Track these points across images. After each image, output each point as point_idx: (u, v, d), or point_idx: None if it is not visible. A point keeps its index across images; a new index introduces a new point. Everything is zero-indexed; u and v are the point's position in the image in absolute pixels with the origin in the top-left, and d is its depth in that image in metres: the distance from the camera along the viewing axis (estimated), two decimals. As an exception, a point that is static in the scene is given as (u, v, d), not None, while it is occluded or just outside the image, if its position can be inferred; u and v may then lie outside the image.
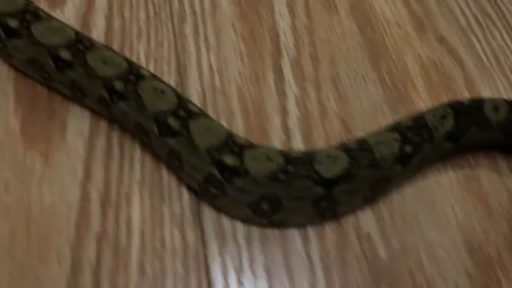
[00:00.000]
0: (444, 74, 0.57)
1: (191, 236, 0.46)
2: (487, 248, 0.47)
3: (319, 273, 0.45)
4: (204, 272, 0.45)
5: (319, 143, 0.52)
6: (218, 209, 0.47)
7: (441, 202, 0.49)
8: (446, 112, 0.49)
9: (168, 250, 0.46)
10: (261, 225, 0.47)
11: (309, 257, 0.46)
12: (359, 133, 0.52)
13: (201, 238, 0.47)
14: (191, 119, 0.46)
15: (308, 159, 0.45)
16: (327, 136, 0.52)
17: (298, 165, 0.45)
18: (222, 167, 0.45)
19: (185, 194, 0.48)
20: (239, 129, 0.52)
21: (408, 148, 0.47)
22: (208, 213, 0.47)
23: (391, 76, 0.56)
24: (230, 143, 0.45)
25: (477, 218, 0.49)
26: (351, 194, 0.46)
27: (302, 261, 0.46)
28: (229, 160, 0.45)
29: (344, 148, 0.47)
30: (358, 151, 0.46)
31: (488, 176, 0.51)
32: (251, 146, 0.46)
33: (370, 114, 0.54)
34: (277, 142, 0.51)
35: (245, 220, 0.47)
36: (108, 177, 0.49)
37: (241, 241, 0.46)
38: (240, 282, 0.45)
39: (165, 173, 0.49)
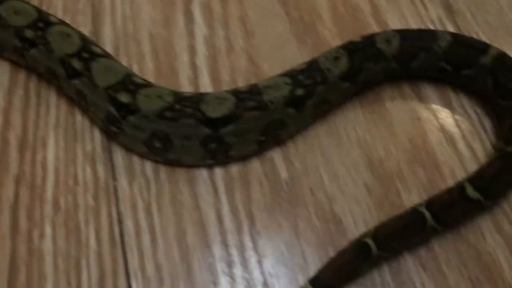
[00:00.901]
0: (351, 4, 0.58)
1: (102, 172, 0.48)
2: (387, 163, 0.49)
3: (223, 198, 0.47)
4: (114, 204, 0.47)
5: (225, 78, 0.53)
6: (124, 146, 0.50)
7: (344, 125, 0.51)
8: (339, 53, 0.49)
9: (81, 186, 0.48)
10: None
11: (214, 185, 0.48)
12: (264, 65, 0.54)
13: (112, 173, 0.49)
14: (94, 60, 0.48)
15: (196, 99, 0.47)
16: (233, 70, 0.53)
17: (185, 104, 0.46)
18: (118, 105, 0.46)
19: (97, 133, 0.50)
20: (149, 70, 0.53)
21: (299, 91, 0.48)
22: (118, 150, 0.49)
23: (298, 10, 0.57)
24: (128, 82, 0.47)
25: (379, 137, 0.50)
26: (241, 137, 0.47)
27: (207, 189, 0.48)
28: (123, 97, 0.46)
29: (235, 91, 0.48)
30: (247, 94, 0.47)
31: (391, 98, 0.52)
32: (147, 85, 0.48)
33: (276, 46, 0.55)
34: (185, 79, 0.53)
35: (144, 157, 0.49)
36: (25, 124, 0.50)
37: (149, 174, 0.48)
38: (149, 213, 0.46)
39: (78, 115, 0.51)
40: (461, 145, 0.50)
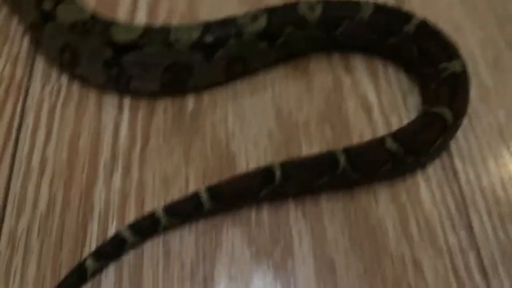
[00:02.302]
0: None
1: (20, 72, 0.49)
2: (296, 117, 0.47)
3: (125, 116, 0.47)
4: (22, 100, 0.47)
5: (161, 18, 0.53)
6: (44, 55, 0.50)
7: (263, 81, 0.49)
8: (259, 13, 0.49)
9: (-4, 79, 0.49)
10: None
11: (120, 104, 0.47)
12: (201, 16, 0.54)
13: (29, 75, 0.49)
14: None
15: (110, 23, 0.47)
16: (170, 12, 0.53)
17: (97, 23, 0.46)
18: (41, 12, 0.47)
19: (27, 39, 0.51)
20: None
21: (208, 38, 0.46)
22: (41, 60, 0.49)
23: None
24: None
25: (295, 95, 0.49)
26: (143, 69, 0.46)
27: (113, 106, 0.47)
28: (46, 5, 0.47)
29: (147, 26, 0.47)
30: (157, 31, 0.47)
31: (318, 66, 0.51)
32: (73, 3, 0.48)
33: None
34: (122, 12, 0.53)
35: (61, 69, 0.49)
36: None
37: (64, 83, 0.48)
38: (51, 114, 0.46)
39: (15, 20, 0.52)
40: (376, 115, 0.48)
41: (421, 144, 0.44)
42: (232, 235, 0.42)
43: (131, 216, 0.42)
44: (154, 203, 0.43)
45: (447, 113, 0.45)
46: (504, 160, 0.46)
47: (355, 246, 0.42)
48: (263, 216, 0.43)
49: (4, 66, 0.49)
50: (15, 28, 0.51)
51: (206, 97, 0.48)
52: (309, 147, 0.46)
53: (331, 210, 0.43)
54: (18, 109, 0.47)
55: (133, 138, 0.46)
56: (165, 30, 0.46)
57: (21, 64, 0.49)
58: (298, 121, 0.47)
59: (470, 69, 0.48)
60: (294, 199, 0.43)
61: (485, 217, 0.43)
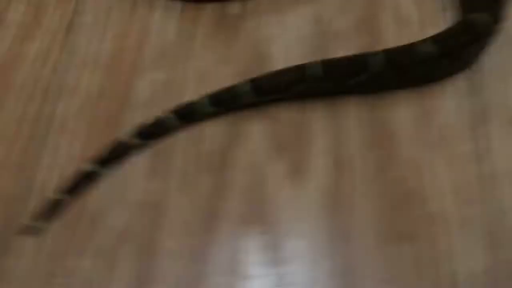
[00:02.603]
0: None
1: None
2: (335, 24, 0.49)
3: (173, 22, 0.50)
4: None
5: None
6: None
7: None
8: None
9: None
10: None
11: (170, 9, 0.50)
12: None
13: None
14: None
15: None
16: None
17: None
18: None
19: None
20: None
21: None
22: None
23: None
24: None
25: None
26: None
27: (164, 7, 0.50)
28: None
29: None
30: None
31: None
32: None
33: None
34: None
35: None
36: None
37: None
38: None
39: None
40: (414, 27, 0.48)
41: (457, 47, 0.44)
42: (257, 127, 0.45)
43: (170, 106, 0.46)
44: (193, 97, 0.46)
45: (483, 19, 0.45)
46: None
47: (372, 145, 0.43)
48: (289, 113, 0.45)
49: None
50: None
51: (250, 3, 0.51)
52: (344, 53, 0.47)
53: (355, 110, 0.45)
54: (76, 7, 0.51)
55: (179, 37, 0.49)
56: None
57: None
58: (335, 29, 0.49)
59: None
60: (322, 99, 0.45)
61: (504, 129, 0.43)
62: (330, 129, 0.45)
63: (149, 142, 0.44)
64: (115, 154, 0.44)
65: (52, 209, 0.42)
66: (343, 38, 0.48)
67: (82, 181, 0.43)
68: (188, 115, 0.45)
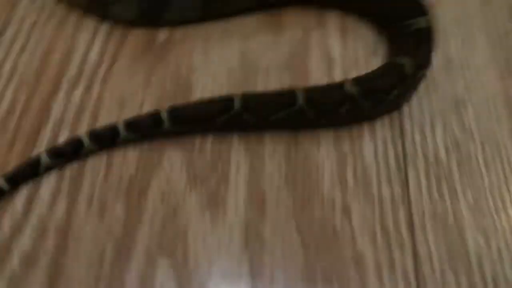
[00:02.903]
0: None
1: (9, -13, 0.53)
2: (258, 60, 0.48)
3: (99, 38, 0.48)
4: (9, 11, 0.50)
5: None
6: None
7: (237, 22, 0.51)
8: None
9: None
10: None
11: (96, 28, 0.49)
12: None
13: (17, -10, 0.53)
14: None
15: None
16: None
17: None
18: None
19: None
20: None
21: None
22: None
23: None
24: None
25: (263, 39, 0.49)
26: None
27: (90, 29, 0.49)
28: None
29: None
30: None
31: (291, 14, 0.51)
32: None
33: None
34: None
35: None
36: None
37: (50, 2, 0.51)
38: (33, 26, 0.49)
39: None
40: (337, 69, 0.48)
41: (379, 89, 0.44)
42: (174, 157, 0.43)
43: (83, 128, 0.44)
44: (107, 120, 0.45)
45: (407, 63, 0.45)
46: (451, 128, 0.47)
47: (289, 183, 0.43)
48: (206, 144, 0.44)
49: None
50: None
51: (178, 32, 0.50)
52: (265, 89, 0.47)
53: (273, 147, 0.44)
54: (2, 19, 0.49)
55: (101, 59, 0.48)
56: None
57: (13, -19, 0.52)
58: (259, 65, 0.49)
59: (441, 43, 0.49)
60: (239, 133, 0.45)
61: (422, 177, 0.44)
62: (248, 162, 0.43)
63: (61, 163, 0.42)
64: (25, 172, 0.41)
65: None
66: (267, 73, 0.48)
67: None
68: (103, 139, 0.43)
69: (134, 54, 0.48)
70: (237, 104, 0.43)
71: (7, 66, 0.47)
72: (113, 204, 0.41)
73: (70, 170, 0.42)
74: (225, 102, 0.43)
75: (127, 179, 0.42)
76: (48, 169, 0.42)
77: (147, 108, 0.45)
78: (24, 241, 0.39)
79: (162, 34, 0.50)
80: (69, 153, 0.42)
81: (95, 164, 0.43)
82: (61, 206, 0.40)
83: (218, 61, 0.48)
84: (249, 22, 0.51)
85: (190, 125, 0.44)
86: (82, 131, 0.44)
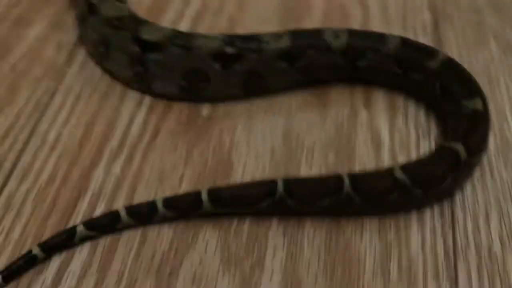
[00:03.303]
0: (343, 10, 0.59)
1: (62, 57, 0.52)
2: (303, 139, 0.47)
3: (143, 109, 0.49)
4: (57, 81, 0.51)
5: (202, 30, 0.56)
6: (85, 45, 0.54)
7: (281, 99, 0.50)
8: (283, 34, 0.49)
9: (44, 60, 0.53)
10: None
11: (140, 101, 0.50)
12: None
13: (69, 60, 0.52)
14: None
15: (142, 21, 0.49)
16: (210, 29, 0.56)
17: (132, 20, 0.48)
18: (89, 5, 0.50)
19: (74, 31, 0.55)
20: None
21: (229, 49, 0.47)
22: (84, 51, 0.54)
23: None
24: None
25: (308, 117, 0.48)
26: (164, 71, 0.48)
27: (133, 102, 0.50)
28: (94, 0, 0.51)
29: (173, 30, 0.48)
30: (181, 35, 0.48)
31: (338, 94, 0.50)
32: (121, 1, 0.52)
33: (259, 22, 0.57)
34: (166, 21, 0.57)
35: (94, 60, 0.53)
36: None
37: (97, 74, 0.51)
38: (76, 102, 0.49)
39: (72, 11, 0.57)
40: (385, 151, 0.47)
41: (430, 177, 0.42)
42: (209, 238, 0.42)
43: (120, 202, 0.43)
44: (145, 194, 0.44)
45: (460, 149, 0.43)
46: (508, 219, 0.43)
47: (328, 272, 0.40)
48: (243, 227, 0.42)
49: (50, 50, 0.53)
50: (71, 17, 0.55)
51: (221, 108, 0.50)
52: (308, 170, 0.45)
53: (313, 233, 0.42)
54: (51, 89, 0.50)
55: (143, 131, 0.47)
56: (191, 36, 0.48)
57: (66, 51, 0.53)
58: (304, 144, 0.47)
59: (496, 124, 0.47)
60: (279, 217, 0.43)
61: (474, 273, 0.41)
62: (286, 247, 0.41)
63: (97, 235, 0.42)
64: (60, 242, 0.41)
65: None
66: (312, 153, 0.46)
67: (23, 265, 0.39)
68: (141, 214, 0.42)
69: (176, 128, 0.48)
70: (280, 188, 0.42)
71: (52, 135, 0.47)
72: (143, 282, 0.39)
73: (103, 243, 0.41)
74: (268, 186, 0.42)
75: (159, 256, 0.41)
76: (83, 240, 0.41)
77: (186, 184, 0.44)
78: (49, 318, 0.38)
79: (205, 109, 0.49)
80: (105, 226, 0.42)
81: (129, 239, 0.41)
82: (90, 281, 0.39)
83: (261, 139, 0.47)
84: (293, 99, 0.50)
85: (231, 207, 0.43)
86: (120, 203, 0.43)
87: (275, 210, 0.43)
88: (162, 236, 0.42)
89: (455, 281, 0.41)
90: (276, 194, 0.42)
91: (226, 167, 0.46)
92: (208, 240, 0.42)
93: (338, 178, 0.42)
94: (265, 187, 0.42)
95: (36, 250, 0.40)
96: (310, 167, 0.46)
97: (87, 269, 0.40)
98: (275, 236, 0.42)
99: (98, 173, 0.45)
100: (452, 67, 0.47)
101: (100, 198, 0.44)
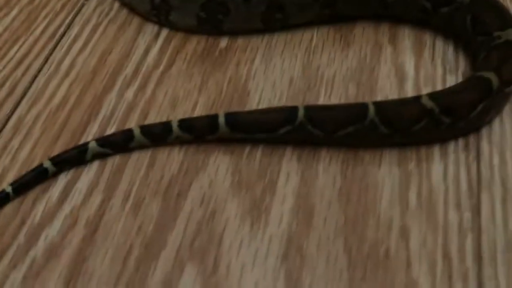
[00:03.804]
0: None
1: None
2: (324, 70, 0.45)
3: (159, 41, 0.48)
4: (73, 14, 0.50)
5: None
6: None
7: (303, 32, 0.48)
8: None
9: None
10: None
11: (158, 32, 0.49)
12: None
13: None
14: None
15: None
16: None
17: None
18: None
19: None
20: None
21: None
22: None
23: None
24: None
25: (330, 50, 0.47)
26: (184, 3, 0.47)
27: (150, 31, 0.49)
28: None
29: None
30: None
31: (363, 31, 0.48)
32: None
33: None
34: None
35: None
36: None
37: (114, 7, 0.51)
38: (94, 30, 0.49)
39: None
40: (408, 85, 0.45)
41: (460, 105, 0.40)
42: (220, 162, 0.41)
43: (131, 125, 0.43)
44: (156, 120, 0.43)
45: (493, 78, 0.41)
46: (537, 152, 0.41)
47: (343, 198, 0.39)
48: (256, 153, 0.41)
49: None
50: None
51: (240, 40, 0.48)
52: (328, 100, 0.44)
53: (329, 160, 0.41)
54: (67, 21, 0.50)
55: (158, 61, 0.47)
56: (210, -36, 0.47)
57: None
58: (324, 75, 0.46)
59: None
60: (294, 145, 0.42)
61: (498, 205, 0.39)
62: (300, 174, 0.40)
63: (109, 153, 0.41)
64: (72, 157, 0.40)
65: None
66: (331, 85, 0.45)
67: (33, 178, 0.39)
68: (155, 134, 0.41)
69: (192, 58, 0.47)
70: (301, 115, 0.40)
71: (66, 63, 0.47)
72: (149, 202, 0.38)
73: (111, 163, 0.41)
74: (288, 112, 0.41)
75: (168, 178, 0.40)
76: (95, 157, 0.41)
77: (200, 111, 0.43)
78: (54, 230, 0.37)
79: (223, 42, 0.48)
80: (118, 144, 0.41)
81: (138, 160, 0.41)
82: (96, 199, 0.39)
83: (279, 70, 0.46)
84: (315, 34, 0.49)
85: (248, 133, 0.41)
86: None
87: (294, 137, 0.41)
88: (172, 158, 0.41)
89: (477, 211, 0.38)
90: (296, 120, 0.41)
91: (241, 95, 0.45)
92: (219, 164, 0.41)
93: (362, 105, 0.40)
94: (285, 113, 0.41)
95: (47, 164, 0.40)
96: (329, 98, 0.44)
97: (94, 188, 0.39)
98: (289, 162, 0.41)
99: (110, 98, 0.44)
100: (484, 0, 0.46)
101: (111, 121, 0.43)
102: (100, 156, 0.41)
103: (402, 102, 0.41)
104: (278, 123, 0.41)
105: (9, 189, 0.39)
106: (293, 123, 0.41)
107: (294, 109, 0.41)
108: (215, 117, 0.41)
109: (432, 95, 0.41)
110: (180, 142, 0.42)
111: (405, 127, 0.41)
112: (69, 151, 0.40)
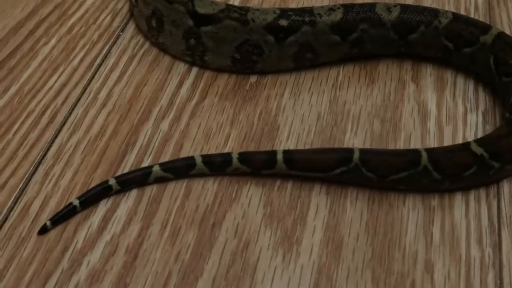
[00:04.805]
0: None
1: (116, 23, 0.55)
2: (350, 107, 0.48)
3: (193, 74, 0.51)
4: (110, 45, 0.53)
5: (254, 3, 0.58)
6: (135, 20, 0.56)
7: (329, 69, 0.51)
8: (336, 6, 0.50)
9: (96, 24, 0.55)
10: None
11: (188, 71, 0.51)
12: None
13: (123, 28, 0.55)
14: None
15: None
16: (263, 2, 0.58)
17: None
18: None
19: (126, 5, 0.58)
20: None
21: (283, 22, 0.49)
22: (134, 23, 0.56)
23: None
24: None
25: (355, 87, 0.49)
26: (217, 43, 0.49)
27: (180, 69, 0.51)
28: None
29: (227, 4, 0.49)
30: (236, 8, 0.49)
31: (387, 68, 0.51)
32: None
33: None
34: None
35: (146, 38, 0.54)
36: None
37: (145, 47, 0.53)
38: (128, 64, 0.51)
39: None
40: (431, 123, 0.47)
41: (507, 149, 0.43)
42: (252, 193, 0.43)
43: (167, 156, 0.45)
44: (191, 152, 0.45)
45: None
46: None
47: (370, 232, 0.41)
48: (287, 185, 0.44)
49: (106, 16, 0.55)
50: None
51: (269, 75, 0.51)
52: (353, 135, 0.46)
53: (356, 195, 0.43)
54: (104, 51, 0.53)
55: (192, 94, 0.49)
56: (244, 9, 0.49)
57: (120, 18, 0.55)
58: (350, 111, 0.48)
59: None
60: (323, 180, 0.44)
61: (518, 241, 0.41)
62: (329, 206, 0.42)
63: (170, 178, 0.43)
64: (136, 178, 0.43)
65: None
66: (357, 121, 0.47)
67: (98, 193, 0.42)
68: (216, 164, 0.43)
69: (224, 92, 0.50)
70: (356, 157, 0.43)
71: (103, 93, 0.49)
72: (186, 231, 0.41)
73: (148, 193, 0.43)
74: (344, 153, 0.43)
75: (203, 208, 0.42)
76: (156, 181, 0.43)
77: (231, 144, 0.46)
78: (95, 256, 0.39)
79: (253, 77, 0.51)
80: (180, 171, 0.44)
81: (174, 191, 0.43)
82: (135, 227, 0.41)
83: (307, 105, 0.49)
84: (341, 71, 0.51)
85: (304, 171, 0.43)
86: (166, 158, 0.45)
87: (348, 178, 0.44)
88: (207, 189, 0.43)
89: (498, 247, 0.41)
90: (352, 163, 0.43)
91: (272, 129, 0.47)
92: (251, 196, 0.43)
93: (415, 152, 0.43)
94: (341, 154, 0.43)
95: (112, 182, 0.43)
96: (355, 134, 0.47)
97: (133, 216, 0.42)
98: (318, 195, 0.43)
99: (147, 129, 0.47)
100: (505, 40, 0.48)
101: (148, 152, 0.45)
102: (161, 180, 0.44)
103: (452, 149, 0.43)
104: (334, 163, 0.43)
105: (76, 202, 0.42)
106: (348, 165, 0.43)
107: (349, 151, 0.43)
108: (273, 153, 0.44)
109: (480, 142, 0.43)
110: (237, 174, 0.44)
111: (457, 173, 0.43)
112: (134, 172, 0.43)
